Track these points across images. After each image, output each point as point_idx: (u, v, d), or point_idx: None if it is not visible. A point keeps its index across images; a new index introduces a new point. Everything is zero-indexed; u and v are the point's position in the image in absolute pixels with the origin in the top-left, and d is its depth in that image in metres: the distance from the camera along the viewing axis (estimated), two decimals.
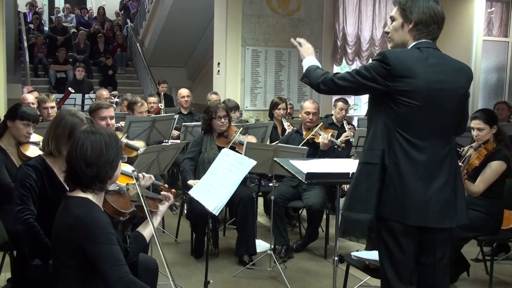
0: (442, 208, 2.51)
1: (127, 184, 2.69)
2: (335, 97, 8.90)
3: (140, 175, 3.05)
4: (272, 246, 4.57)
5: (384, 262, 2.60)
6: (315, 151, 5.03)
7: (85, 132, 2.28)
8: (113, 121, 4.39)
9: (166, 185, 3.96)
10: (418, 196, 2.47)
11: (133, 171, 2.71)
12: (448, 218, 2.54)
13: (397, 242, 2.54)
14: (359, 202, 2.57)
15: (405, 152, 2.47)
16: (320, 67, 2.77)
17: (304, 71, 2.78)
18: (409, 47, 2.54)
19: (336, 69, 10.69)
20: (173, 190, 3.33)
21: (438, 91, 2.47)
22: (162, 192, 2.82)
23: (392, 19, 2.61)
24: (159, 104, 7.77)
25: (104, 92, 7.86)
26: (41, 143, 3.22)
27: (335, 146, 5.08)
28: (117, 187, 2.62)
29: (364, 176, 2.55)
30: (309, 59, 2.81)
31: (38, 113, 5.91)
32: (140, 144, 4.86)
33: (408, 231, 2.52)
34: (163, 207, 2.78)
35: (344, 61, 10.37)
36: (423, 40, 2.52)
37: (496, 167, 3.98)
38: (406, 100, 2.44)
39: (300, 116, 5.48)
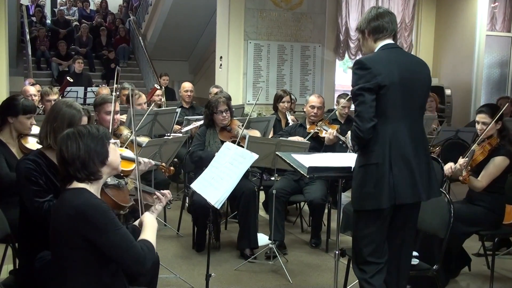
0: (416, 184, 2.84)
1: (124, 178, 2.73)
2: (337, 93, 8.90)
3: (141, 160, 3.08)
4: (272, 240, 4.58)
5: (358, 237, 2.93)
6: (319, 145, 5.02)
7: (62, 137, 2.35)
8: (118, 115, 4.38)
9: (163, 164, 4.08)
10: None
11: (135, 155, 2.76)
12: (422, 193, 2.86)
13: (375, 219, 2.86)
14: (370, 199, 2.85)
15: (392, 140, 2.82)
16: None
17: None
18: (376, 51, 3.00)
19: (338, 63, 10.66)
20: (171, 167, 3.35)
21: (410, 80, 2.87)
22: (157, 192, 2.80)
23: (359, 39, 3.28)
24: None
25: (105, 91, 7.43)
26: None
27: (340, 142, 5.06)
28: (116, 181, 2.67)
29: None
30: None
31: (41, 105, 5.97)
32: (146, 140, 4.84)
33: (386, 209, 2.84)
34: (159, 206, 2.75)
35: (346, 55, 10.33)
36: (385, 43, 2.96)
37: (499, 162, 3.98)
38: (384, 92, 2.79)
39: (304, 109, 5.45)
